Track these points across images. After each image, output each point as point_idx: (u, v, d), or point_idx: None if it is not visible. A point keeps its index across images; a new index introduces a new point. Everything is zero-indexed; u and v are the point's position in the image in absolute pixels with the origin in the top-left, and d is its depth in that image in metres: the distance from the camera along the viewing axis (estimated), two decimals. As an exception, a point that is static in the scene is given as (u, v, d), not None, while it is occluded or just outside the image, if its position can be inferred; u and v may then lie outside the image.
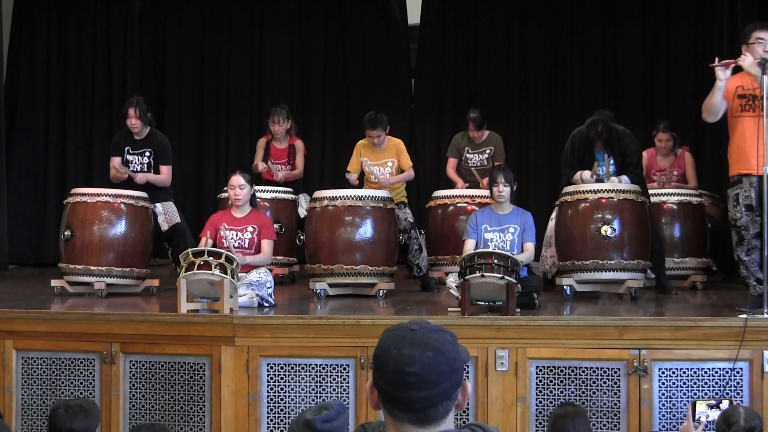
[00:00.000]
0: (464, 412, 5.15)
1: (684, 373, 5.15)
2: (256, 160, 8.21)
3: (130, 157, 7.22)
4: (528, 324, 5.31)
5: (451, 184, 8.08)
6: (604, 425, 5.18)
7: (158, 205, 7.12)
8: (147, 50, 10.28)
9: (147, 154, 7.21)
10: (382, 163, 7.29)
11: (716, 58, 5.60)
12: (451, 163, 8.15)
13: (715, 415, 4.27)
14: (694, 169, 7.86)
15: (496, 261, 5.43)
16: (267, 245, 6.36)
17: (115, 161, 7.25)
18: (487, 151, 8.02)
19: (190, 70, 10.32)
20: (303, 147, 8.27)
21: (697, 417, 4.30)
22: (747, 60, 5.40)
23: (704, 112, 5.72)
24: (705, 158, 8.87)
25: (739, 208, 5.56)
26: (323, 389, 5.35)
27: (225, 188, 7.04)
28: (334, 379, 5.35)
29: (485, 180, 7.50)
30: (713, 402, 4.35)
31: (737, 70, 5.54)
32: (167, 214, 7.19)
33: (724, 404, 4.33)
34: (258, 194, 6.95)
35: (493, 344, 5.23)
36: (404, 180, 7.36)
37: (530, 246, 6.08)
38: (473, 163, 8.03)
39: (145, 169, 7.19)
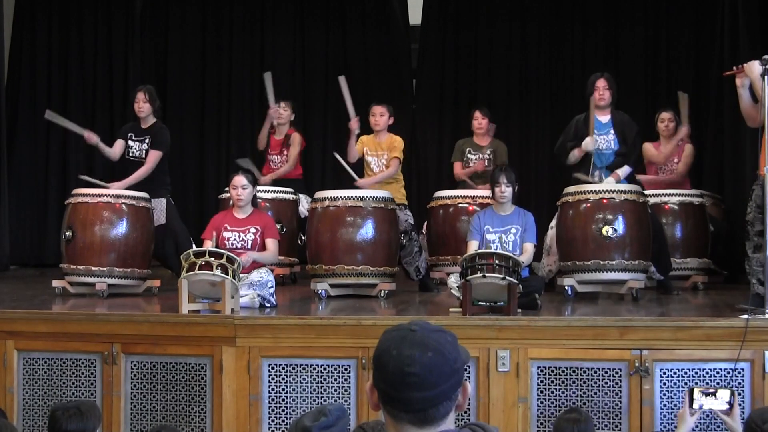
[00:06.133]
0: (465, 412, 5.15)
1: (685, 373, 5.14)
2: (261, 132, 8.26)
3: (131, 143, 7.29)
4: (529, 324, 5.31)
5: (459, 185, 8.04)
6: (606, 426, 5.18)
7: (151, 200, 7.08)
8: (148, 51, 10.28)
9: (147, 141, 7.26)
10: (380, 154, 7.29)
11: (734, 67, 5.58)
12: (458, 167, 8.13)
13: (710, 403, 4.26)
14: (687, 159, 7.79)
15: (497, 261, 5.43)
16: (272, 244, 6.35)
17: (118, 143, 7.31)
18: (488, 152, 8.02)
19: (191, 71, 10.32)
20: (300, 140, 8.27)
21: (692, 404, 4.29)
22: (754, 68, 5.39)
23: (745, 120, 5.74)
24: (706, 158, 8.86)
25: (751, 203, 5.60)
26: (324, 390, 5.35)
27: (226, 188, 7.05)
28: (335, 380, 5.35)
29: (481, 187, 7.54)
30: (711, 390, 4.34)
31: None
32: (155, 212, 7.15)
33: (720, 393, 4.32)
34: (259, 194, 6.95)
35: (495, 345, 5.23)
36: (386, 176, 7.21)
37: (529, 246, 6.08)
38: (474, 163, 8.02)
39: (144, 156, 7.22)
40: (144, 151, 7.24)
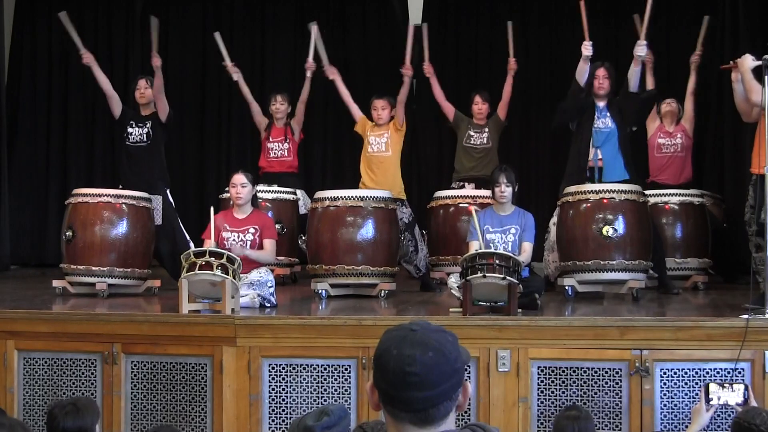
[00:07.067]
0: (466, 412, 5.15)
1: (686, 373, 5.15)
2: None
3: (130, 129, 7.32)
4: (529, 324, 5.31)
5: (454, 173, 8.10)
6: (606, 426, 5.17)
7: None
8: (148, 51, 10.25)
9: (148, 125, 7.30)
10: (380, 134, 7.32)
11: (731, 62, 5.62)
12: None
13: (726, 396, 4.27)
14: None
15: (497, 261, 5.43)
16: (270, 244, 6.36)
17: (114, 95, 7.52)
18: (486, 130, 8.03)
19: (191, 71, 10.31)
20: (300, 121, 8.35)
21: (709, 399, 4.30)
22: (746, 61, 5.40)
23: (741, 115, 5.77)
24: (706, 159, 8.86)
25: (748, 204, 5.62)
26: (325, 390, 5.35)
27: (226, 188, 7.05)
28: (335, 380, 5.35)
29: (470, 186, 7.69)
30: (726, 384, 4.35)
31: None
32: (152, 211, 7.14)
33: (736, 387, 4.33)
34: (259, 194, 6.96)
35: (495, 345, 5.23)
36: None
37: (527, 246, 6.08)
38: (474, 142, 8.02)
39: (144, 140, 7.27)
40: (144, 135, 7.26)
